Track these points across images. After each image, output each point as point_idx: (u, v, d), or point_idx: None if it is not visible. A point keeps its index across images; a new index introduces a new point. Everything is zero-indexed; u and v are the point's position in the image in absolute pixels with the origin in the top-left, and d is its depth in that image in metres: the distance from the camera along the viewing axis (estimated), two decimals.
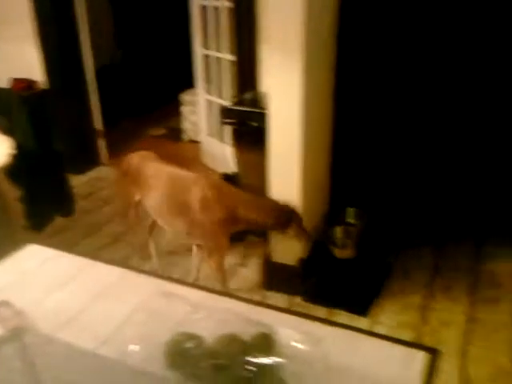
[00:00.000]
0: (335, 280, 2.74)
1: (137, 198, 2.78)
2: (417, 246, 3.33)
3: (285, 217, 2.45)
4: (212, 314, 1.13)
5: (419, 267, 3.10)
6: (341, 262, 2.68)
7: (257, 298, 2.75)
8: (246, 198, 2.52)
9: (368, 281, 2.84)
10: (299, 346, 1.00)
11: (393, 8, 2.93)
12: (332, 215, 3.02)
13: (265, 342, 1.05)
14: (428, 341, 2.51)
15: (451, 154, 3.31)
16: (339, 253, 2.66)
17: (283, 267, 2.79)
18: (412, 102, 3.15)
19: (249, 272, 3.08)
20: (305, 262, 2.76)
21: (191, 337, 1.07)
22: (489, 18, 2.90)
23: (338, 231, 2.79)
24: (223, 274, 2.66)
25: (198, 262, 2.90)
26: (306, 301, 2.77)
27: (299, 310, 2.63)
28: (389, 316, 2.68)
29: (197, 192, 2.46)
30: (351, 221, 2.97)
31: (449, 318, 2.67)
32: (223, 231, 2.51)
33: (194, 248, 2.91)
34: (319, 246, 2.78)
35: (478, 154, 3.28)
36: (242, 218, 2.44)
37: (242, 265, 3.16)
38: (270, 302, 2.67)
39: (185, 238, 2.80)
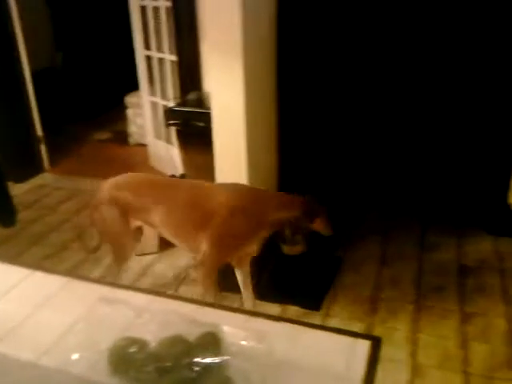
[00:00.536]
0: (286, 277, 2.76)
1: (135, 224, 2.52)
2: (364, 237, 3.42)
3: (311, 208, 2.32)
4: (156, 317, 1.11)
5: (367, 258, 3.17)
6: (291, 258, 2.70)
7: (210, 299, 2.73)
8: (274, 199, 2.38)
9: (319, 276, 2.87)
10: (244, 343, 1.00)
11: (330, 5, 2.99)
12: None
13: (210, 342, 1.04)
14: (379, 331, 2.56)
15: (396, 145, 3.42)
16: (289, 249, 2.68)
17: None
18: (352, 93, 3.22)
19: None
20: (255, 261, 2.77)
21: (134, 341, 1.05)
22: (419, 18, 3.01)
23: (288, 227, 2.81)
24: (211, 286, 2.44)
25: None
26: (259, 299, 2.77)
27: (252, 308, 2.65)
28: (341, 309, 2.72)
29: (222, 202, 2.26)
30: None
31: (398, 307, 2.74)
32: (253, 240, 2.36)
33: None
34: (269, 243, 2.79)
35: (420, 145, 3.40)
36: (273, 220, 2.29)
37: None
38: (224, 302, 2.66)
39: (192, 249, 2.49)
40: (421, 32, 3.05)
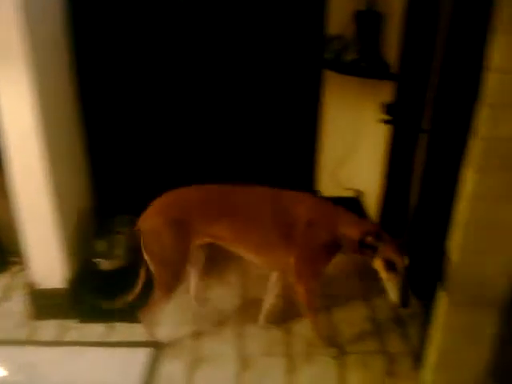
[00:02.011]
0: (107, 294, 2.63)
1: (197, 242, 2.26)
2: None
3: (381, 232, 2.12)
4: None
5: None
6: (110, 273, 2.59)
7: (25, 331, 2.50)
8: (346, 215, 2.21)
9: (142, 287, 2.79)
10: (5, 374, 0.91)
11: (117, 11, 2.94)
12: (102, 227, 2.91)
13: None
14: (209, 328, 2.60)
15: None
16: (106, 265, 2.56)
17: (51, 292, 2.59)
18: (150, 99, 3.19)
19: (14, 305, 2.78)
20: (73, 282, 2.61)
21: None
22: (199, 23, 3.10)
23: (103, 242, 2.69)
24: (314, 302, 2.34)
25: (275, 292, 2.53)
26: (82, 322, 2.61)
27: (74, 333, 2.49)
28: (168, 315, 2.68)
29: (302, 212, 2.12)
30: (121, 229, 2.89)
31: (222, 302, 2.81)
32: (326, 256, 2.20)
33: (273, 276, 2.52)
34: (87, 261, 2.66)
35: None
36: (343, 235, 2.13)
37: (5, 298, 2.86)
38: (41, 332, 2.46)
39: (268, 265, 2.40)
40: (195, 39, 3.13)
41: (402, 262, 2.06)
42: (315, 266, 2.23)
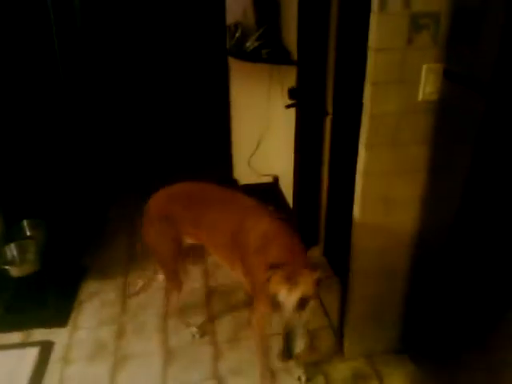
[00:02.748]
0: (23, 300, 2.55)
1: (188, 241, 2.21)
2: (110, 237, 3.39)
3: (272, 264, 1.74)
4: None
5: (115, 259, 3.15)
6: (23, 279, 2.50)
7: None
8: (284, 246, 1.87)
9: (61, 290, 2.72)
10: None
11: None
12: (11, 232, 2.78)
13: None
14: (131, 326, 2.58)
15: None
16: (17, 271, 2.46)
17: None
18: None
19: None
20: None
21: None
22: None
23: (12, 248, 2.59)
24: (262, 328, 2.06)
25: None
26: None
27: None
28: (90, 317, 2.64)
29: (252, 238, 1.93)
30: (30, 233, 2.79)
31: (148, 300, 2.78)
32: None
33: None
34: None
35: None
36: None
37: None
38: None
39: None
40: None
41: (288, 304, 1.60)
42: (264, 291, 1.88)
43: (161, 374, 2.28)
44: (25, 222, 2.79)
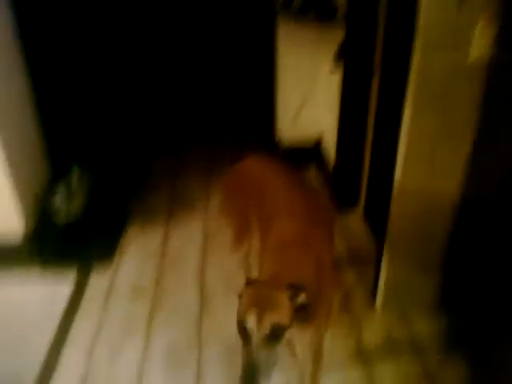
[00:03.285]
0: (67, 245, 2.66)
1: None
2: (153, 185, 3.48)
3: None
4: None
5: (157, 206, 3.25)
6: (69, 226, 2.61)
7: None
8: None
9: (104, 236, 2.84)
10: None
11: None
12: (56, 180, 2.89)
13: None
14: (172, 268, 2.70)
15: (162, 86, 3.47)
16: (63, 218, 2.57)
17: (8, 248, 2.59)
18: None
19: None
20: (31, 237, 2.62)
21: None
22: None
23: (58, 195, 2.69)
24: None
25: None
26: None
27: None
28: (130, 263, 2.75)
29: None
30: (76, 181, 2.89)
31: (186, 242, 2.88)
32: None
33: None
34: (44, 216, 2.66)
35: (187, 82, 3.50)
36: None
37: None
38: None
39: None
40: None
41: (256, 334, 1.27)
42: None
43: (197, 314, 2.38)
44: (71, 170, 2.88)
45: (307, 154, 3.65)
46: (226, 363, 2.01)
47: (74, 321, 2.30)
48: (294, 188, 1.87)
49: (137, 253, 2.82)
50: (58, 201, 2.62)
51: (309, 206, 1.76)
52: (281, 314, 1.28)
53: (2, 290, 0.88)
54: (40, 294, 0.83)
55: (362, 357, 2.13)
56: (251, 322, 1.26)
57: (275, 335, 1.26)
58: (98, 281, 2.60)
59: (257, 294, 1.34)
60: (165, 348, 2.21)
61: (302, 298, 1.33)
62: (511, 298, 2.00)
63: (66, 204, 2.61)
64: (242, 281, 1.44)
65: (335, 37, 2.81)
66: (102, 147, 3.01)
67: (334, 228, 1.85)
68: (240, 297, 1.37)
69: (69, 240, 2.65)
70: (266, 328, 1.25)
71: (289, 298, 1.31)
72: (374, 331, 2.25)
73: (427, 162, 1.89)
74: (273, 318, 1.26)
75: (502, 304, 2.07)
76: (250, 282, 1.39)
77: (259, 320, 1.25)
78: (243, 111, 4.03)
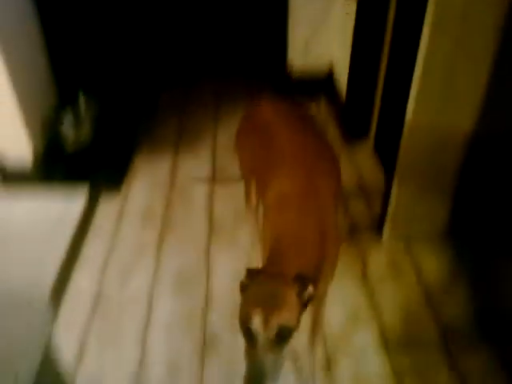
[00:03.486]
0: (77, 172, 2.68)
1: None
2: (161, 115, 3.45)
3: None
4: None
5: (165, 136, 3.23)
6: (78, 153, 2.61)
7: None
8: None
9: (113, 164, 2.84)
10: None
11: None
12: (63, 107, 2.87)
13: None
14: (180, 197, 2.72)
15: (174, 14, 3.37)
16: (72, 144, 2.56)
17: (18, 173, 2.62)
18: None
19: None
20: (42, 159, 2.62)
21: None
22: None
23: (66, 122, 2.67)
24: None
25: None
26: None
27: None
28: (140, 190, 2.77)
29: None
30: (83, 108, 2.86)
31: (195, 172, 2.89)
32: None
33: None
34: (53, 142, 2.66)
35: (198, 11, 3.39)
36: None
37: None
38: None
39: None
40: None
41: (262, 336, 1.14)
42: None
43: (206, 242, 2.42)
44: (78, 97, 2.85)
45: (318, 85, 3.57)
46: (233, 293, 2.08)
47: (86, 242, 2.36)
48: (300, 136, 1.69)
49: (146, 181, 2.84)
50: (66, 127, 2.60)
51: (314, 156, 1.61)
52: (289, 313, 1.16)
53: (16, 206, 0.89)
54: (52, 210, 0.85)
55: (366, 281, 2.18)
56: (257, 323, 1.13)
57: (282, 337, 1.14)
58: (107, 206, 2.64)
59: (262, 291, 1.20)
60: (174, 272, 2.27)
61: (309, 291, 1.22)
62: None
63: (73, 131, 2.60)
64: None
65: None
66: (109, 75, 2.96)
67: (340, 179, 1.70)
68: (242, 290, 1.23)
69: (78, 167, 2.66)
70: (273, 330, 1.13)
71: (296, 294, 1.19)
72: (379, 260, 2.29)
73: (441, 94, 1.85)
74: (280, 319, 1.13)
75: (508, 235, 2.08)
76: (251, 274, 1.24)
77: (265, 321, 1.12)
78: (254, 43, 3.90)
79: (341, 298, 2.10)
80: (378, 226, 2.40)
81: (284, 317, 1.14)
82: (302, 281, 1.21)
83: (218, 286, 2.20)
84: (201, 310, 2.09)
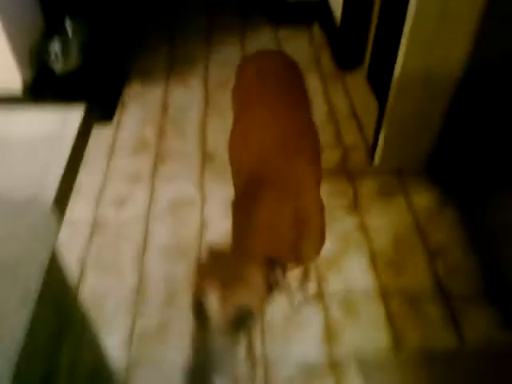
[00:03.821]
0: (66, 98, 2.63)
1: None
2: (151, 44, 3.37)
3: None
4: None
5: (156, 64, 3.17)
6: (67, 77, 2.56)
7: None
8: None
9: (104, 90, 2.79)
10: None
11: None
12: (49, 30, 2.77)
13: None
14: (173, 123, 2.71)
15: None
16: (60, 67, 2.50)
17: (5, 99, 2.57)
18: None
19: None
20: (31, 88, 2.57)
21: None
22: None
23: (54, 45, 2.59)
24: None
25: None
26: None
27: None
28: (132, 118, 2.76)
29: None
30: (72, 32, 2.76)
31: (187, 99, 2.86)
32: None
33: None
34: (42, 65, 2.59)
35: None
36: None
37: None
38: None
39: None
40: None
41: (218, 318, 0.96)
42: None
43: (199, 170, 2.44)
44: (66, 21, 2.74)
45: (313, 9, 3.48)
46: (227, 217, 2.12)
47: (81, 165, 2.36)
48: (279, 113, 1.53)
49: (138, 109, 2.81)
50: (54, 51, 2.53)
51: (291, 133, 1.46)
52: (251, 293, 0.99)
53: (11, 121, 0.89)
54: (49, 124, 0.85)
55: (357, 206, 2.23)
56: (212, 298, 0.95)
57: (241, 320, 0.96)
58: (99, 136, 2.62)
59: (221, 267, 1.02)
60: (169, 198, 2.30)
61: (277, 274, 1.07)
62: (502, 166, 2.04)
63: (62, 56, 2.53)
64: None
65: None
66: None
67: (319, 147, 1.56)
68: (199, 268, 1.04)
69: (68, 94, 2.61)
70: (231, 309, 0.95)
71: (262, 275, 1.03)
72: (370, 186, 2.33)
73: (437, 22, 1.82)
74: (240, 298, 0.96)
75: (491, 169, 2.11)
76: (214, 255, 1.07)
77: (223, 297, 0.95)
78: None
79: (332, 223, 2.15)
80: (370, 154, 2.42)
81: (245, 296, 0.97)
82: (271, 262, 1.07)
83: (213, 211, 2.23)
84: (197, 231, 2.13)
